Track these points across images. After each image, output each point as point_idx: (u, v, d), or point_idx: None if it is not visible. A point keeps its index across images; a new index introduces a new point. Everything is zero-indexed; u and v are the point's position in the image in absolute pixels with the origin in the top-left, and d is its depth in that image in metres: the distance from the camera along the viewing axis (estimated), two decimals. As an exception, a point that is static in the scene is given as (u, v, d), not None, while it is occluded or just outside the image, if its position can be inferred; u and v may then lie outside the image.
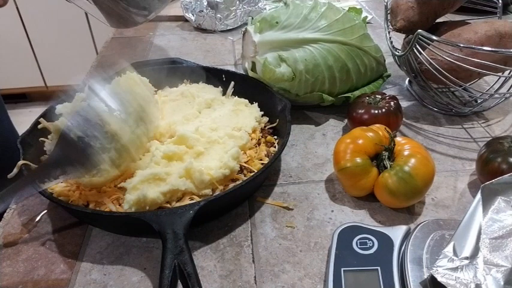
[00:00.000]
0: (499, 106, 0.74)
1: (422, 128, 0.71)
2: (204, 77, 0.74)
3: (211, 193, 0.52)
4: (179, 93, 0.69)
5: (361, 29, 0.72)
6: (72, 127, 0.47)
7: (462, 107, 0.73)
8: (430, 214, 0.54)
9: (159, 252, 0.44)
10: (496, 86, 0.72)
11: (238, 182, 0.54)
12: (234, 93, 0.72)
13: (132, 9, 0.75)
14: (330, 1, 0.78)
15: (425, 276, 0.41)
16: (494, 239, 0.40)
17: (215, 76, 0.73)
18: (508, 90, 0.67)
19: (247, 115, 0.65)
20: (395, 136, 0.56)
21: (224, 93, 0.72)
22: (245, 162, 0.57)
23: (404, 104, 0.76)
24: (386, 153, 0.53)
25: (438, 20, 0.72)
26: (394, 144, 0.53)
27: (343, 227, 0.47)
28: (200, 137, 0.58)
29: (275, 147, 0.62)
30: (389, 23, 0.74)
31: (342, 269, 0.43)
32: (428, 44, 0.63)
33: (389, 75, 0.78)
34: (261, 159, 0.58)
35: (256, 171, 0.55)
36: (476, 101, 0.73)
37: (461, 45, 0.61)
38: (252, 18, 0.74)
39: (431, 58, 0.64)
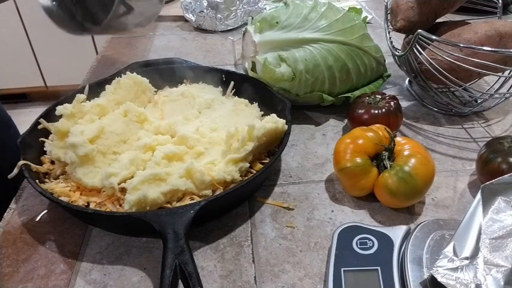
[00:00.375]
0: (499, 106, 0.74)
1: (422, 128, 0.71)
2: (204, 77, 0.74)
3: (211, 193, 0.52)
4: (179, 93, 0.69)
5: (361, 29, 0.72)
6: None
7: (462, 107, 0.73)
8: (430, 214, 0.54)
9: (159, 252, 0.44)
10: (496, 86, 0.72)
11: (238, 182, 0.54)
12: (234, 93, 0.72)
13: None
14: (330, 1, 0.78)
15: (426, 276, 0.41)
16: (494, 239, 0.40)
17: (215, 76, 0.73)
18: (508, 90, 0.67)
19: (247, 115, 0.65)
20: (395, 136, 0.56)
21: (224, 93, 0.73)
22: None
23: (404, 104, 0.76)
24: (386, 153, 0.53)
25: (438, 20, 0.72)
26: (394, 144, 0.53)
27: (343, 227, 0.47)
28: (200, 137, 0.58)
29: (275, 147, 0.62)
30: (389, 23, 0.74)
31: (342, 269, 0.43)
32: (428, 44, 0.63)
33: (389, 75, 0.78)
34: (261, 159, 0.58)
35: (256, 171, 0.55)
36: (476, 101, 0.73)
37: (461, 45, 0.61)
38: (252, 18, 0.74)
39: (431, 58, 0.64)
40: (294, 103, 0.68)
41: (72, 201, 0.51)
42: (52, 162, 0.57)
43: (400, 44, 0.79)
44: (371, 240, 0.45)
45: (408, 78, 0.83)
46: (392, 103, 0.64)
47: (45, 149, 0.57)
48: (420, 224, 0.46)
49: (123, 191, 0.51)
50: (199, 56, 0.95)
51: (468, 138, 0.68)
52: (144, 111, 0.62)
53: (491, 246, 0.39)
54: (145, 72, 0.69)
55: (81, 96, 0.61)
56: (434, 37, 0.62)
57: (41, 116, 0.60)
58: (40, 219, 0.53)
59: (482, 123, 0.72)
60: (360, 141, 0.53)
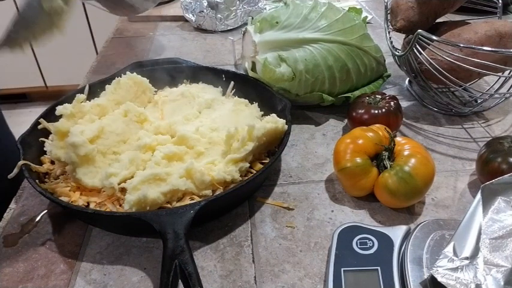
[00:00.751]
0: (499, 106, 0.74)
1: (422, 128, 0.71)
2: (204, 77, 0.74)
3: (211, 193, 0.52)
4: (179, 93, 0.69)
5: (361, 29, 0.72)
6: None
7: (462, 107, 0.73)
8: (430, 214, 0.54)
9: (159, 252, 0.44)
10: (496, 86, 0.72)
11: (238, 182, 0.54)
12: (234, 93, 0.72)
13: None
14: (330, 1, 0.78)
15: (426, 276, 0.41)
16: (494, 239, 0.40)
17: (215, 76, 0.73)
18: (508, 90, 0.67)
19: (247, 115, 0.65)
20: (395, 136, 0.56)
21: (224, 93, 0.73)
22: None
23: (404, 104, 0.76)
24: (386, 153, 0.53)
25: (438, 20, 0.72)
26: (394, 144, 0.53)
27: (343, 227, 0.47)
28: (200, 137, 0.58)
29: (275, 147, 0.62)
30: (389, 23, 0.74)
31: (342, 269, 0.43)
32: (428, 44, 0.63)
33: (389, 75, 0.78)
34: (261, 159, 0.58)
35: (256, 171, 0.55)
36: (476, 101, 0.73)
37: (461, 45, 0.61)
38: (252, 18, 0.74)
39: (431, 58, 0.64)
40: (294, 103, 0.68)
41: (72, 201, 0.51)
42: (52, 162, 0.57)
43: (400, 44, 0.79)
44: (371, 240, 0.45)
45: (408, 78, 0.83)
46: (392, 103, 0.64)
47: (45, 149, 0.57)
48: (420, 224, 0.46)
49: (123, 191, 0.51)
50: (199, 56, 0.95)
51: (468, 138, 0.68)
52: (144, 111, 0.62)
53: (491, 246, 0.39)
54: (145, 72, 0.70)
55: (81, 96, 0.61)
56: (434, 37, 0.62)
57: (41, 116, 0.60)
58: (40, 219, 0.53)
59: (482, 123, 0.72)
60: (360, 141, 0.53)
